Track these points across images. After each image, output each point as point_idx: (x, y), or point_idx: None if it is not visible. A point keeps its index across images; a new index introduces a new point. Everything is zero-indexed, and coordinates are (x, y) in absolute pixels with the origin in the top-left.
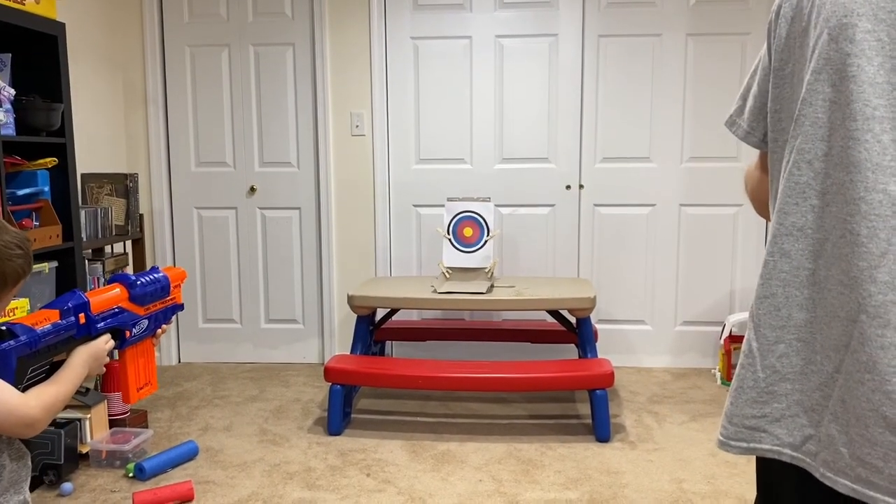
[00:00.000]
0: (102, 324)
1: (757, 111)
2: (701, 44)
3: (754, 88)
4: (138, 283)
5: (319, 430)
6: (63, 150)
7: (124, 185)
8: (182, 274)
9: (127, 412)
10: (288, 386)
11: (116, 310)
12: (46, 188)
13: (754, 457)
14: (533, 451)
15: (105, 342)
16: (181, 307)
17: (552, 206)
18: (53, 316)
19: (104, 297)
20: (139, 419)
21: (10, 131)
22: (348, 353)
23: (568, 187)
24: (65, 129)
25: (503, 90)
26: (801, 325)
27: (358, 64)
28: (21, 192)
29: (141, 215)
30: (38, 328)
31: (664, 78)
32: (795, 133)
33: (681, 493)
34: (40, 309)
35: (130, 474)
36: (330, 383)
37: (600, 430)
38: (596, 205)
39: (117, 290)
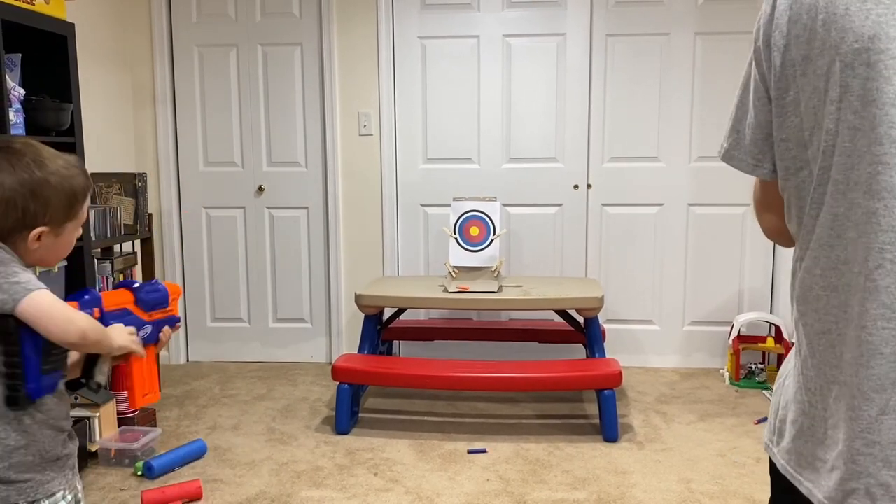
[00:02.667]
0: (113, 321)
1: (761, 142)
2: (709, 43)
3: (751, 119)
4: (143, 289)
5: (327, 429)
6: (72, 150)
7: (133, 185)
8: (178, 289)
9: (136, 411)
10: (296, 385)
11: (124, 311)
12: None
13: (762, 457)
14: (540, 450)
15: (128, 327)
16: (178, 319)
17: (560, 205)
18: (72, 307)
19: (114, 295)
20: (148, 418)
21: (19, 131)
22: (356, 352)
23: (576, 187)
24: (74, 129)
25: (511, 90)
26: (834, 365)
27: (365, 64)
28: None
29: (149, 215)
30: None
31: (672, 77)
32: (826, 164)
33: (689, 494)
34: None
35: (139, 473)
36: (337, 382)
37: (608, 429)
38: (604, 204)
39: (124, 292)
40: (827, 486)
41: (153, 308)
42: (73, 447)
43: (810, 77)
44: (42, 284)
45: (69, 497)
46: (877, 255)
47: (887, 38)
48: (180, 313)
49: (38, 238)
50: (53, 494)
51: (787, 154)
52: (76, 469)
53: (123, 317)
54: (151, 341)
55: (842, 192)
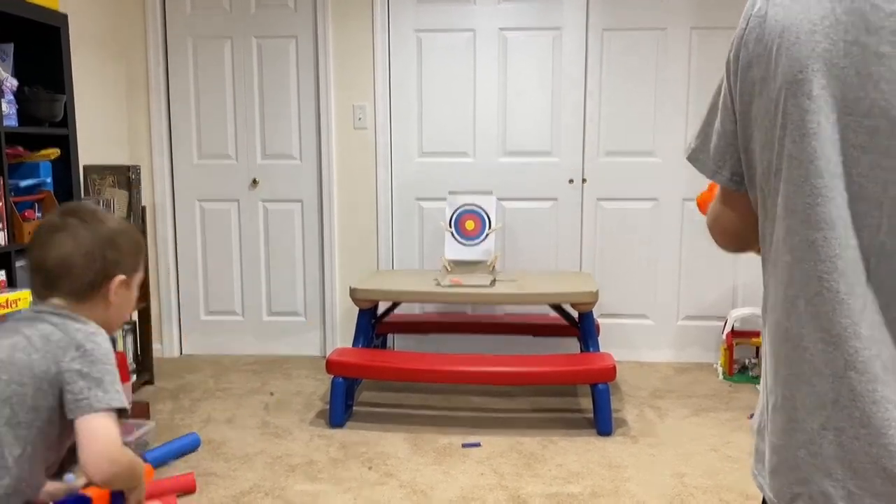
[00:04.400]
0: None
1: (723, 150)
2: (705, 37)
3: (718, 127)
4: None
5: (321, 422)
6: (65, 142)
7: (126, 177)
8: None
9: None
10: (290, 378)
11: None
12: (49, 179)
13: (756, 452)
14: (535, 444)
15: None
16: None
17: (555, 199)
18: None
19: None
20: (141, 411)
21: (12, 122)
22: (350, 346)
23: (571, 181)
24: (67, 121)
25: (506, 83)
26: (782, 382)
27: (361, 56)
28: (23, 184)
29: (143, 207)
30: None
31: (668, 72)
32: (776, 187)
33: (682, 488)
34: None
35: None
36: (332, 376)
37: (602, 424)
38: (599, 199)
39: None
40: (774, 486)
41: None
42: None
43: (765, 98)
44: (121, 401)
45: None
46: (816, 283)
47: (829, 73)
48: (174, 306)
49: (118, 287)
50: None
51: (751, 171)
52: None
53: None
54: None
55: (781, 216)
